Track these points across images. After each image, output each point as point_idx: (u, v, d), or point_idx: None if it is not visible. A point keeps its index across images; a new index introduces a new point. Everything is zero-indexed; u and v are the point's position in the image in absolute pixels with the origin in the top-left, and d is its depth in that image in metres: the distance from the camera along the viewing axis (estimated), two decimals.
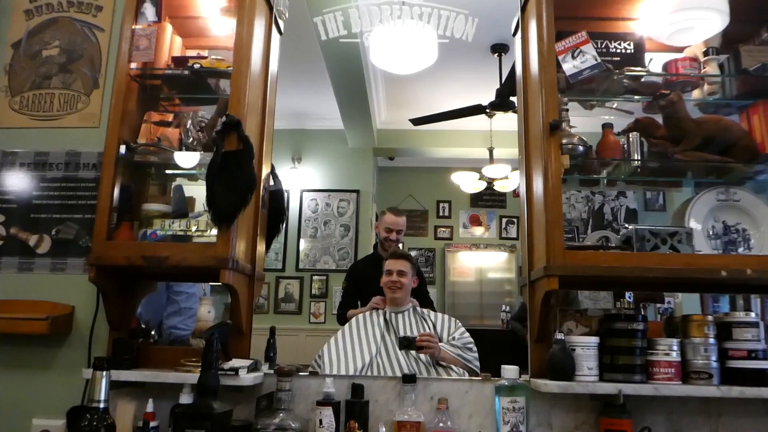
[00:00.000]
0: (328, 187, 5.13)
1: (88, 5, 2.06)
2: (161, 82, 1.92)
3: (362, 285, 2.79)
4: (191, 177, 1.91)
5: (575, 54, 1.71)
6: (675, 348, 1.54)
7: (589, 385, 1.51)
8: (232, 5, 1.80)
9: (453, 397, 1.65)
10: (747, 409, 1.60)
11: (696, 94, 1.91)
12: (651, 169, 1.85)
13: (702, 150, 1.76)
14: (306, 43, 2.67)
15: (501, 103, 3.75)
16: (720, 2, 1.69)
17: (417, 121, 4.20)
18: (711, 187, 1.81)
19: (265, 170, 1.85)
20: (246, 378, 1.57)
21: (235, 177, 1.61)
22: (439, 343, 2.16)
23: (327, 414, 1.53)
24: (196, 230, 1.76)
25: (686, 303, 2.18)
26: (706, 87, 1.88)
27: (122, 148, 1.71)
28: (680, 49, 1.90)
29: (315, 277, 4.90)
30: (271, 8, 1.91)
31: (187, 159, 1.80)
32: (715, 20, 1.71)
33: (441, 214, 6.02)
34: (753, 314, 1.58)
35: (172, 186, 1.92)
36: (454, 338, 2.25)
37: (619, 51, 1.84)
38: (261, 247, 1.83)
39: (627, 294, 1.96)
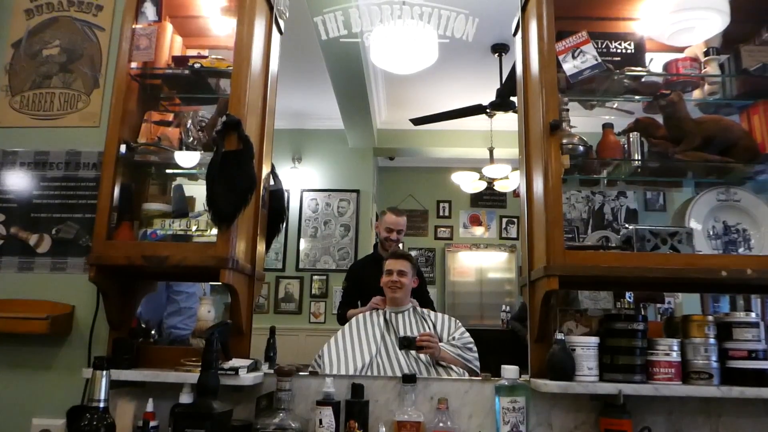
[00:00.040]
0: (328, 187, 5.13)
1: (88, 5, 2.06)
2: (161, 81, 1.92)
3: (362, 285, 2.79)
4: (191, 177, 1.91)
5: (575, 54, 1.71)
6: (675, 348, 1.54)
7: (589, 385, 1.51)
8: (233, 5, 1.80)
9: (453, 397, 1.65)
10: (747, 409, 1.60)
11: (696, 94, 1.91)
12: (651, 169, 1.85)
13: (702, 150, 1.76)
14: (306, 43, 2.67)
15: (501, 103, 3.75)
16: (721, 2, 1.69)
17: (417, 121, 4.20)
18: (711, 187, 1.81)
19: (266, 170, 1.85)
20: (246, 378, 1.57)
21: (235, 177, 1.61)
22: (439, 343, 2.16)
23: (327, 414, 1.53)
24: (196, 230, 1.76)
25: (686, 303, 2.18)
26: (706, 87, 1.88)
27: (122, 148, 1.71)
28: (681, 49, 1.90)
29: (315, 277, 4.90)
30: (271, 8, 1.91)
31: (187, 159, 1.80)
32: (715, 20, 1.71)
33: (441, 214, 6.01)
34: (753, 314, 1.58)
35: (173, 185, 1.92)
36: (454, 338, 2.25)
37: (619, 51, 1.84)
38: (261, 247, 1.83)
39: (627, 294, 1.96)
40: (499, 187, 4.73)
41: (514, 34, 1.94)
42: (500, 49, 3.81)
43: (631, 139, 1.79)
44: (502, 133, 4.32)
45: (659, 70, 1.87)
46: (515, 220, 5.88)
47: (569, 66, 1.70)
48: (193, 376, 1.49)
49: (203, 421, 1.34)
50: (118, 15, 2.00)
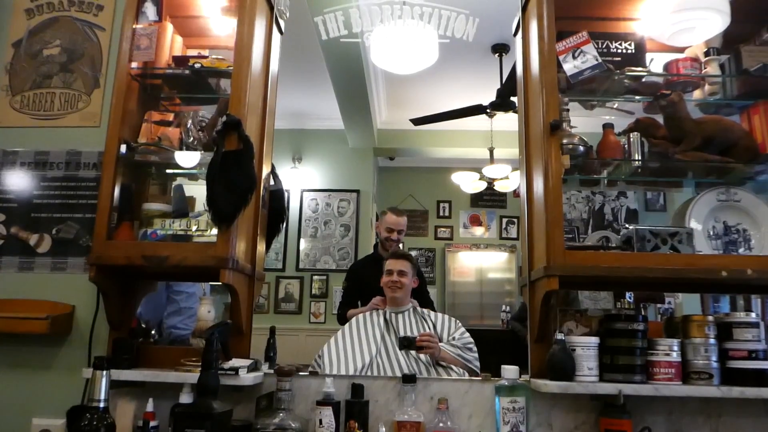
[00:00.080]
0: (328, 187, 5.13)
1: (89, 4, 2.06)
2: (162, 81, 1.92)
3: (362, 285, 2.79)
4: (192, 176, 1.91)
5: (576, 54, 1.71)
6: (675, 348, 1.54)
7: (589, 385, 1.51)
8: (233, 5, 1.80)
9: (453, 397, 1.65)
10: (747, 409, 1.60)
11: (697, 94, 1.91)
12: (651, 170, 1.85)
13: (703, 150, 1.76)
14: (307, 43, 2.67)
15: (501, 103, 3.75)
16: (721, 2, 1.69)
17: (417, 121, 4.20)
18: (712, 188, 1.81)
19: (266, 170, 1.85)
20: (246, 378, 1.57)
21: (236, 177, 1.61)
22: (439, 343, 2.16)
23: (327, 414, 1.53)
24: (197, 230, 1.76)
25: (686, 303, 2.18)
26: (706, 87, 1.88)
27: (123, 148, 1.71)
28: (681, 50, 1.90)
29: (315, 277, 4.90)
30: (272, 8, 1.91)
31: (187, 158, 1.80)
32: (716, 20, 1.71)
33: (441, 214, 6.02)
34: (753, 314, 1.58)
35: (173, 185, 1.92)
36: (454, 338, 2.25)
37: (619, 51, 1.84)
38: (261, 247, 1.83)
39: (627, 294, 1.96)
40: (499, 187, 4.73)
41: (515, 34, 1.94)
42: (500, 49, 3.82)
43: (632, 140, 1.79)
44: (502, 133, 4.32)
45: (660, 70, 1.87)
46: (515, 220, 5.88)
47: (569, 66, 1.70)
48: (193, 376, 1.49)
49: (203, 421, 1.34)
50: (118, 15, 2.00)
